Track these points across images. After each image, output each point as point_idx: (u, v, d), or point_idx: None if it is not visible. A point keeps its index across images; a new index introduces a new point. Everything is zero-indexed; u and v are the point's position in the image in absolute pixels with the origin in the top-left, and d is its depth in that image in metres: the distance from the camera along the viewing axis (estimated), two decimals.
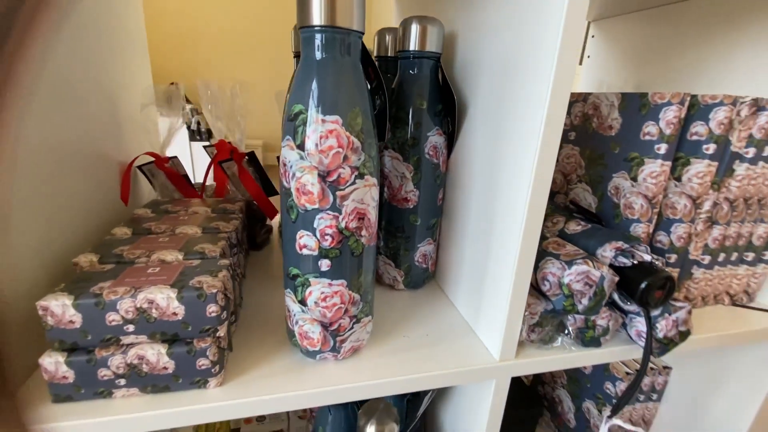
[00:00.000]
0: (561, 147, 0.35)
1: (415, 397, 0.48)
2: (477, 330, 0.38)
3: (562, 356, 0.35)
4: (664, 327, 0.34)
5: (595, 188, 0.44)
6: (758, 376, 0.47)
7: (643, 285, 0.33)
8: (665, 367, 0.59)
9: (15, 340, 0.29)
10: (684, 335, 0.35)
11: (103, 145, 0.45)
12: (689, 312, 0.35)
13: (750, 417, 0.49)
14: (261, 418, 0.64)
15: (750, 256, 0.44)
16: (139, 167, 0.51)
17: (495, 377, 0.34)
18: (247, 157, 0.53)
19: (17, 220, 0.30)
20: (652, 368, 0.58)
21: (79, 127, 0.39)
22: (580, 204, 0.44)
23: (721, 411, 0.52)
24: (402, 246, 0.43)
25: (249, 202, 0.53)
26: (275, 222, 0.65)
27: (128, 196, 0.48)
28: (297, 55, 0.43)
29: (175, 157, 0.54)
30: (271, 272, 0.49)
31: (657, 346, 0.35)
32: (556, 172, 0.50)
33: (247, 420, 0.64)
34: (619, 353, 0.37)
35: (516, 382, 0.69)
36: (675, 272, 0.42)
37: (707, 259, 0.42)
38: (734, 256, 0.43)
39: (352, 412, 0.47)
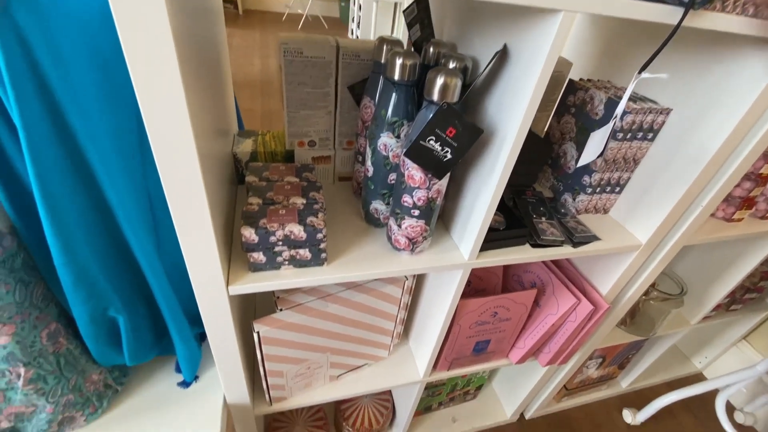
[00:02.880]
0: None
1: (466, 88, 0.56)
2: None
3: None
4: None
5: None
6: (748, 94, 0.56)
7: None
8: (667, 108, 0.69)
9: None
10: None
11: None
12: None
13: (726, 134, 0.60)
14: (312, 143, 0.74)
15: None
16: None
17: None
18: None
19: None
20: (656, 108, 0.68)
21: None
22: None
23: (702, 138, 0.64)
24: None
25: None
26: None
27: None
28: None
29: None
30: None
31: None
32: None
33: (300, 143, 0.73)
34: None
35: (530, 135, 0.80)
36: None
37: None
38: None
39: (412, 92, 0.54)
